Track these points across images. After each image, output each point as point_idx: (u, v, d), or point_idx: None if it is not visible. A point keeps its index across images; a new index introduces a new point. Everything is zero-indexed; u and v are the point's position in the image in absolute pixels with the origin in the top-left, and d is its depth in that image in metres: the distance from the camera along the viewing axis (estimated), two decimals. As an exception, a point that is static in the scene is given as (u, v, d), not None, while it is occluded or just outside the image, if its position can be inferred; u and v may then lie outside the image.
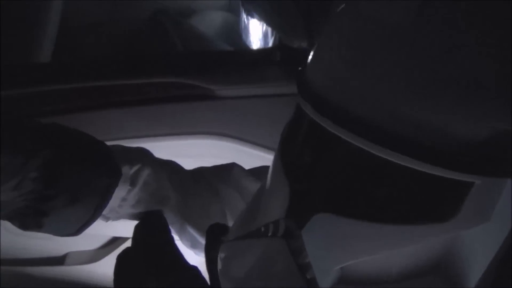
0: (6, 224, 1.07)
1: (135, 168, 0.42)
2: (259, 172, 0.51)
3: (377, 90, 0.26)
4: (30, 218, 0.37)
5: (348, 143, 0.27)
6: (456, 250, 0.27)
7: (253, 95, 0.94)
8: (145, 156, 0.45)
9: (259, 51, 1.04)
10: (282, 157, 0.35)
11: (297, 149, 0.35)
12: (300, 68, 0.35)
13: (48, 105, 0.89)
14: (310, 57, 0.34)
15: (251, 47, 1.17)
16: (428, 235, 0.27)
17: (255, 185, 0.48)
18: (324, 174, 0.31)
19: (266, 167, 0.52)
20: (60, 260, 1.11)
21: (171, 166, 0.47)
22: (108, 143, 0.99)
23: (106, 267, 1.07)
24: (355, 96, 0.27)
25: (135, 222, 0.45)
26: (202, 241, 0.44)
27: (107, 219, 0.44)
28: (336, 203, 0.30)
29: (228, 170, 0.51)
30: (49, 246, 1.09)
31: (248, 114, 0.95)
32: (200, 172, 0.50)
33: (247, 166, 1.01)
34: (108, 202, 0.40)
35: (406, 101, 0.25)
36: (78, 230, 0.40)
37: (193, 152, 0.97)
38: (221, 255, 0.36)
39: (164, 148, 0.97)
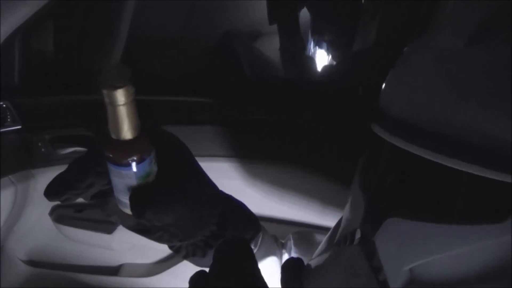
0: (65, 230, 1.05)
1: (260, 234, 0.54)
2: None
3: (454, 109, 0.29)
4: (199, 249, 0.48)
5: (420, 157, 0.30)
6: None
7: (334, 127, 0.96)
8: (261, 227, 0.56)
9: (342, 86, 1.06)
10: (360, 177, 0.40)
11: (371, 168, 0.39)
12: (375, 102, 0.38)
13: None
14: (384, 89, 0.37)
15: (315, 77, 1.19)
16: (487, 236, 0.28)
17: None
18: (395, 184, 0.36)
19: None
20: (114, 271, 1.09)
21: (271, 235, 0.59)
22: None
23: (160, 283, 1.05)
24: (433, 116, 0.30)
25: None
26: None
27: None
28: (406, 208, 0.33)
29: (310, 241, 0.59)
30: (106, 255, 1.07)
31: (323, 144, 0.96)
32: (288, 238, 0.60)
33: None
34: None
35: (479, 115, 0.28)
36: None
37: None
38: (305, 273, 0.43)
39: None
